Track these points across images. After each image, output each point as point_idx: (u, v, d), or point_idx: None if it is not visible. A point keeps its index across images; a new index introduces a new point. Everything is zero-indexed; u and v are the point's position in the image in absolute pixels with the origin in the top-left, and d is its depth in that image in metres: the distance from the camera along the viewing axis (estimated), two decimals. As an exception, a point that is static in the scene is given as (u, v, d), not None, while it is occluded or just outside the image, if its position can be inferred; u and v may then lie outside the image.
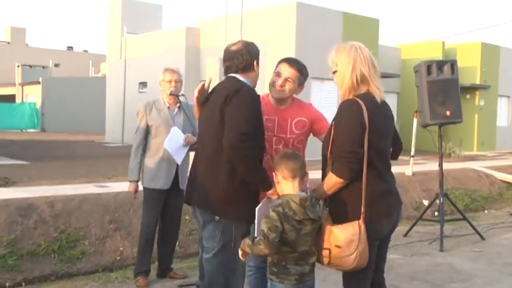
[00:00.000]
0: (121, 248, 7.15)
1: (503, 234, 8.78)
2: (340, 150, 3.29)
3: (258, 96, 3.72)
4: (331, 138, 3.37)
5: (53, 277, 6.45)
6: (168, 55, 20.73)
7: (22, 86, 38.96)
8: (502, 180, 13.80)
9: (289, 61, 4.08)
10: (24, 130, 33.56)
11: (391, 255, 6.82)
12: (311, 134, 4.29)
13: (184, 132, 5.54)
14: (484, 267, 6.67)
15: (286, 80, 4.03)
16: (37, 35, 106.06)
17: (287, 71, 4.04)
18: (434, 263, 6.83)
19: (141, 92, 22.19)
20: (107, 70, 26.17)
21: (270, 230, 3.21)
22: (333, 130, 3.38)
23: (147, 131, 5.67)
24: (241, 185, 3.54)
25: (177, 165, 5.62)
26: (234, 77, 3.75)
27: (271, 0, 37.86)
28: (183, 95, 5.54)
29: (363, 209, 3.28)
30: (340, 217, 3.34)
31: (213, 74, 12.73)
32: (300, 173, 3.36)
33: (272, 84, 4.08)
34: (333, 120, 3.42)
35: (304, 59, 16.73)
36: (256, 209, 3.42)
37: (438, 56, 21.34)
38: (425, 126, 7.91)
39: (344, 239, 3.25)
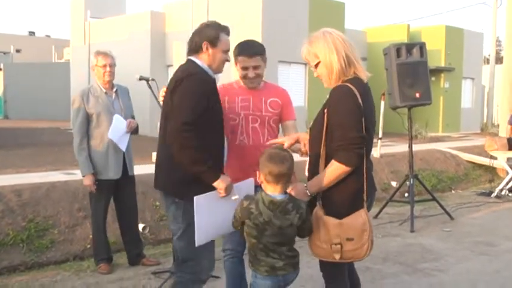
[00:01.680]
0: (91, 236, 7.02)
1: (471, 213, 8.93)
2: (347, 137, 3.12)
3: (209, 81, 3.60)
4: (324, 128, 3.22)
5: (22, 267, 6.33)
6: (133, 40, 20.41)
7: (-17, 72, 38.00)
8: (467, 161, 14.03)
9: (248, 52, 4.03)
10: (-13, 118, 32.85)
11: (363, 237, 6.87)
12: None
13: (125, 117, 5.49)
14: (454, 247, 6.78)
15: (255, 69, 4.04)
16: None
17: (251, 61, 4.02)
18: (405, 244, 6.90)
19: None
20: (71, 55, 25.67)
21: (235, 216, 3.29)
22: (326, 119, 3.22)
23: (88, 121, 5.49)
24: None
25: (123, 152, 5.56)
26: (190, 59, 3.69)
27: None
28: (153, 79, 5.43)
29: (365, 197, 3.21)
30: (342, 208, 3.20)
31: (179, 59, 12.57)
32: (286, 177, 3.17)
33: (244, 77, 4.09)
34: (325, 108, 3.26)
35: (271, 42, 16.71)
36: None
37: (403, 39, 21.48)
38: (394, 108, 7.96)
39: (356, 230, 3.16)
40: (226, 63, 3.74)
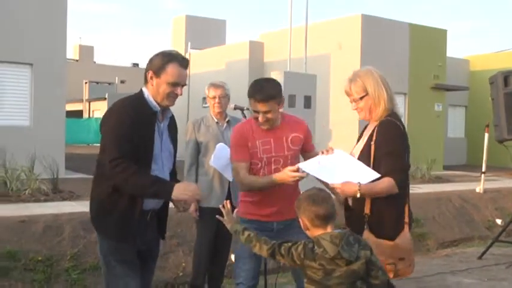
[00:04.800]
0: (183, 264, 7.05)
1: None
2: (400, 162, 3.43)
3: (141, 112, 3.43)
4: (371, 160, 3.46)
5: (114, 293, 6.39)
6: (232, 69, 20.76)
7: (89, 101, 40.04)
8: None
9: (258, 96, 3.88)
10: (90, 144, 34.33)
11: (465, 280, 6.46)
12: None
13: None
14: None
15: (265, 114, 3.90)
16: (104, 52, 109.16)
17: (261, 106, 3.88)
18: (513, 288, 6.40)
19: (204, 107, 22.27)
20: (171, 85, 26.49)
21: (285, 249, 2.99)
22: (373, 151, 3.48)
23: (198, 149, 5.50)
24: (111, 199, 3.35)
25: (229, 182, 5.45)
26: (140, 90, 3.55)
27: (336, 13, 37.64)
28: (247, 108, 5.35)
29: (407, 219, 3.48)
30: (389, 231, 3.44)
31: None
32: (333, 218, 2.95)
33: (255, 119, 3.99)
34: (370, 141, 3.51)
35: (371, 71, 15.82)
36: None
37: (510, 67, 20.55)
38: (502, 141, 7.49)
39: (407, 250, 3.45)
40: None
